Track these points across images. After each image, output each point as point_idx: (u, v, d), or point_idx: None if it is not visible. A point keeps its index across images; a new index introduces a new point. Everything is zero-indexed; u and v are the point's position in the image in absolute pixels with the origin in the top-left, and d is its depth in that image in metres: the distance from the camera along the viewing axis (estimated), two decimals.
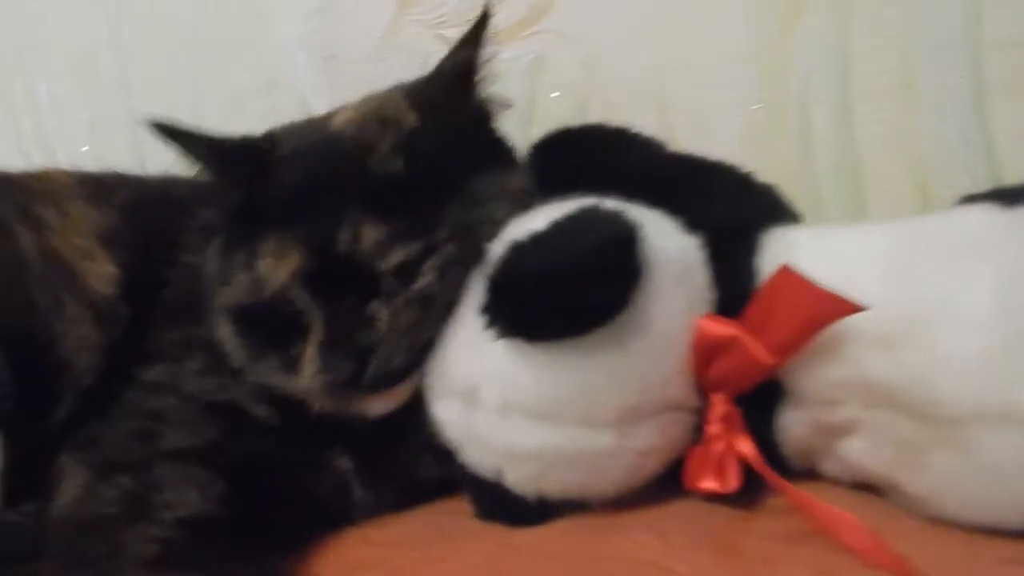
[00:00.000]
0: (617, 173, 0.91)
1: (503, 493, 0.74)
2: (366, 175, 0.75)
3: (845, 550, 0.65)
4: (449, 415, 0.75)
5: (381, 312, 0.74)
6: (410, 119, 0.78)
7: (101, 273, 0.86)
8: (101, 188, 0.93)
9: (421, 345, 0.75)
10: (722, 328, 0.71)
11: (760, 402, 0.75)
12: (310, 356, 0.75)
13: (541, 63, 1.14)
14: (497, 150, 0.84)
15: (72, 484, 0.72)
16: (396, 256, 0.73)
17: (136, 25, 1.26)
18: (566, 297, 0.66)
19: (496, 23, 1.06)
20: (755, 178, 0.92)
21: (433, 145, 0.77)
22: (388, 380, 0.75)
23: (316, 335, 0.74)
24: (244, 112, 1.23)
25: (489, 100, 0.83)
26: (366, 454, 0.79)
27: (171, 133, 0.78)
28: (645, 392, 0.71)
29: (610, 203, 0.74)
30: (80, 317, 0.84)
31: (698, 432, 0.76)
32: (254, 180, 0.77)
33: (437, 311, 0.75)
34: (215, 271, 0.81)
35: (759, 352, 0.69)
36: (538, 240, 0.67)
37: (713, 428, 0.75)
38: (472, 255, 0.74)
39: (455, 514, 0.79)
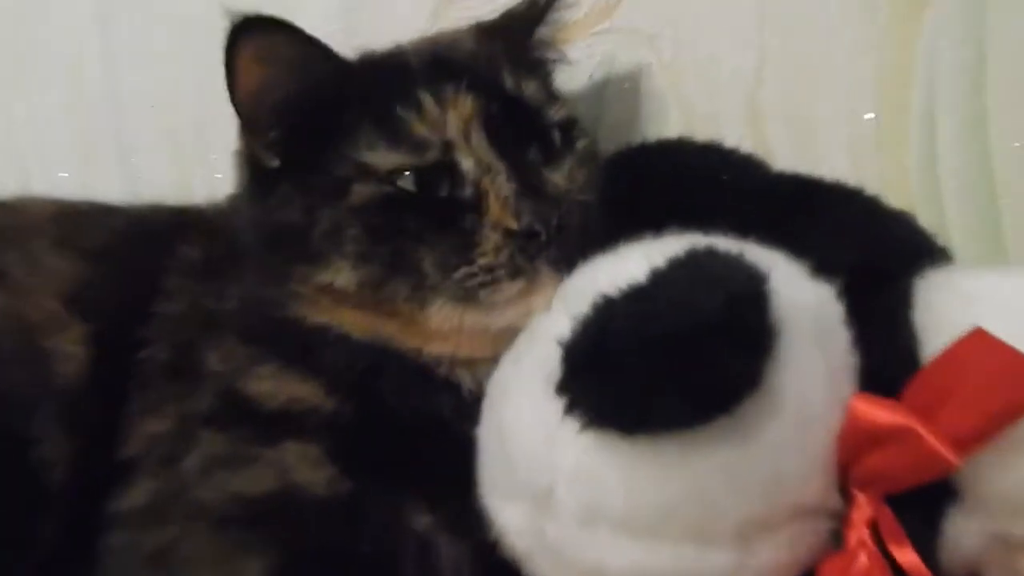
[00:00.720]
0: (712, 197, 0.77)
1: None
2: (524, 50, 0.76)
3: None
4: (513, 520, 0.59)
5: (559, 167, 0.69)
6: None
7: (69, 353, 0.71)
8: (73, 226, 0.78)
9: (589, 211, 0.68)
10: (887, 414, 0.53)
11: (919, 504, 0.58)
12: (495, 217, 0.64)
13: (610, 65, 0.98)
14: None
15: None
16: (561, 110, 0.72)
17: (127, 27, 1.11)
18: (678, 374, 0.49)
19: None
20: (886, 204, 0.76)
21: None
22: (571, 249, 0.63)
23: (499, 192, 0.64)
24: None
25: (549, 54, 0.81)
26: (448, 501, 0.64)
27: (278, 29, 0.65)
28: (775, 496, 0.55)
29: (721, 242, 0.57)
30: (52, 415, 0.68)
31: (836, 539, 0.59)
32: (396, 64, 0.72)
33: (592, 178, 0.71)
34: (338, 175, 0.67)
35: (939, 448, 0.51)
36: (638, 295, 0.50)
37: (857, 535, 0.58)
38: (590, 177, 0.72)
39: None
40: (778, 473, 0.53)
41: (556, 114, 0.71)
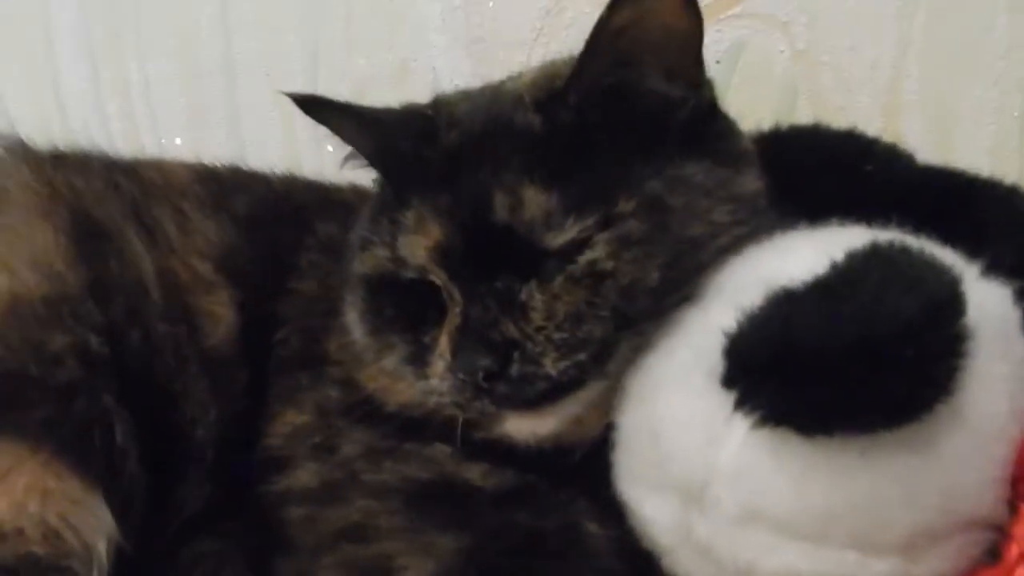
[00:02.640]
0: (853, 187, 0.74)
1: None
2: (518, 132, 0.62)
3: None
4: (659, 513, 0.57)
5: (535, 297, 0.59)
6: (559, 83, 0.64)
7: (217, 316, 0.73)
8: (220, 189, 0.80)
9: (584, 347, 0.59)
10: None
11: None
12: (443, 346, 0.60)
13: (739, 50, 0.97)
14: (722, 142, 0.67)
15: None
16: (569, 231, 0.59)
17: None
18: (870, 378, 0.47)
19: None
20: None
21: (586, 109, 0.62)
22: (535, 391, 0.58)
23: (452, 321, 0.60)
24: (371, 103, 1.08)
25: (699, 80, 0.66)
26: (609, 512, 0.62)
27: (317, 107, 0.66)
28: (949, 508, 0.52)
29: (905, 238, 0.55)
30: (199, 374, 0.71)
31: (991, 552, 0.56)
32: (413, 148, 0.65)
33: (609, 301, 0.59)
34: (361, 234, 0.68)
35: None
36: (826, 291, 0.48)
37: (1019, 548, 0.56)
38: (667, 244, 0.59)
39: None
40: (956, 485, 0.51)
41: (561, 237, 0.59)
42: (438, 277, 0.62)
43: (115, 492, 0.65)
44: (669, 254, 0.58)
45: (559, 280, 0.59)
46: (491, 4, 1.04)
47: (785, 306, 0.49)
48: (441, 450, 0.65)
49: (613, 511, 0.60)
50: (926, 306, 0.46)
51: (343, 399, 0.68)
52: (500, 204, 0.59)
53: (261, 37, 1.13)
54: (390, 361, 0.65)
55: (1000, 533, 0.57)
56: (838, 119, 0.89)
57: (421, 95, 0.99)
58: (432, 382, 0.61)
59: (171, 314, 0.71)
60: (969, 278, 0.55)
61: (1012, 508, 0.56)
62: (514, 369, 0.57)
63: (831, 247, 0.52)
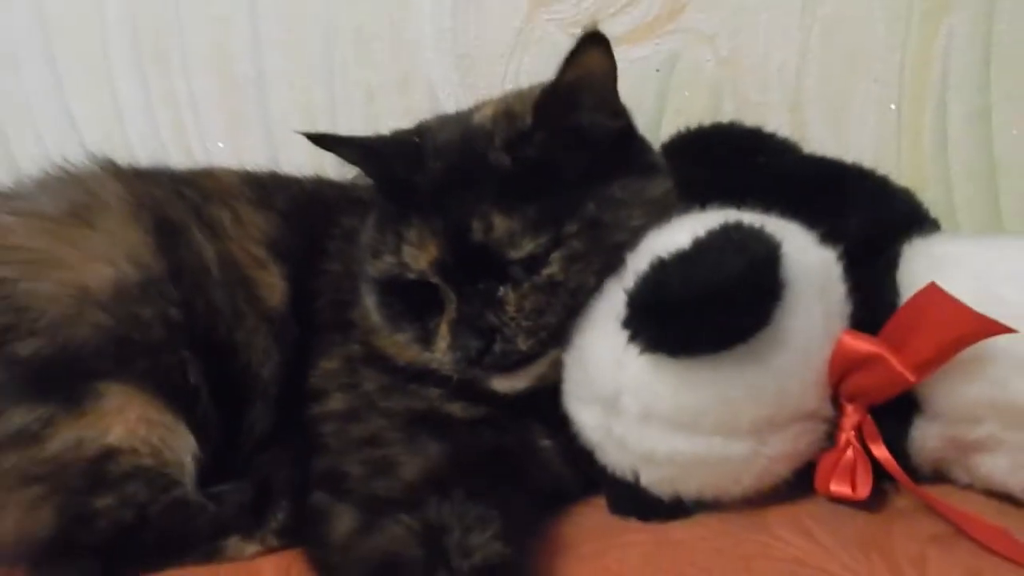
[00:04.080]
0: (751, 175, 0.94)
1: (638, 492, 0.78)
2: (491, 168, 0.80)
3: (991, 552, 0.67)
4: (589, 419, 0.79)
5: (509, 296, 0.79)
6: (527, 119, 0.81)
7: (273, 285, 0.93)
8: (263, 190, 0.99)
9: (544, 330, 0.79)
10: (865, 345, 0.72)
11: (893, 413, 0.77)
12: (443, 332, 0.80)
13: (674, 61, 1.14)
14: (637, 157, 0.85)
15: (344, 523, 0.74)
16: (526, 247, 0.77)
17: (273, 18, 1.28)
18: (709, 316, 0.68)
19: (632, 21, 1.08)
20: (893, 183, 0.93)
21: (546, 147, 0.79)
22: (511, 360, 0.80)
23: (450, 314, 0.80)
24: (379, 109, 1.26)
25: (620, 110, 0.84)
26: (560, 431, 0.82)
27: (328, 142, 0.85)
28: (782, 404, 0.73)
29: (749, 216, 0.76)
30: (258, 329, 0.91)
31: (829, 439, 0.78)
32: (406, 173, 0.82)
33: (561, 300, 0.79)
34: (369, 242, 0.86)
35: (902, 370, 0.70)
36: (682, 259, 0.69)
37: (846, 436, 0.78)
38: (600, 253, 0.79)
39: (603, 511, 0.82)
40: (785, 387, 0.72)
41: (520, 251, 0.77)
42: (437, 282, 0.80)
43: (193, 421, 0.83)
44: (602, 261, 0.78)
45: (527, 286, 0.78)
46: (474, 26, 1.20)
47: (658, 270, 0.70)
48: (434, 391, 0.84)
49: (563, 426, 0.82)
50: (750, 263, 0.67)
51: (364, 353, 0.88)
52: (476, 228, 0.77)
53: (286, 54, 1.28)
54: (401, 337, 0.84)
55: (833, 426, 0.78)
56: (755, 114, 1.08)
57: (420, 101, 1.19)
58: (436, 355, 0.81)
59: (229, 284, 0.90)
60: (801, 243, 0.76)
61: (840, 407, 0.78)
62: (497, 347, 0.78)
63: (699, 227, 0.73)
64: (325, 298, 0.93)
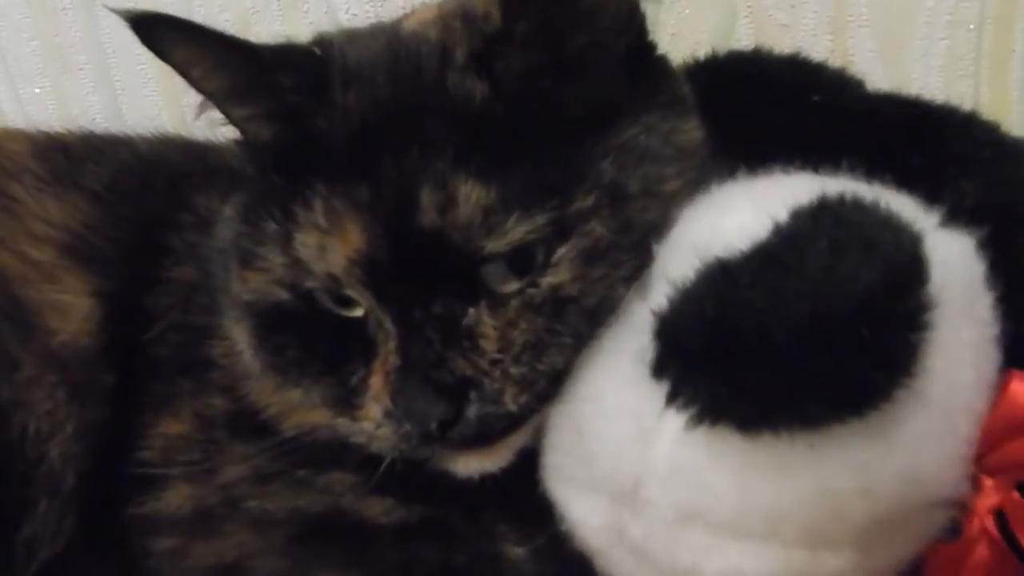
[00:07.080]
0: (796, 122, 0.67)
1: None
2: (452, 102, 0.51)
3: None
4: (589, 514, 0.51)
5: (485, 323, 0.50)
6: (494, 16, 0.51)
7: (69, 307, 0.62)
8: (67, 161, 0.67)
9: (544, 377, 0.51)
10: None
11: None
12: (377, 388, 0.51)
13: None
14: (660, 83, 0.57)
15: None
16: (513, 233, 0.49)
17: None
18: (816, 363, 0.40)
19: None
20: (1008, 132, 0.66)
21: (529, 57, 0.51)
22: (493, 430, 0.51)
23: (387, 356, 0.50)
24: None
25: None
26: (538, 530, 0.54)
27: (160, 32, 0.51)
28: (909, 494, 0.47)
29: (845, 186, 0.48)
30: (39, 380, 0.60)
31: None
32: (300, 106, 0.52)
33: (573, 326, 0.50)
34: (230, 243, 0.56)
35: None
36: (768, 262, 0.41)
37: (979, 523, 0.52)
38: (630, 245, 0.50)
39: None
40: (917, 469, 0.46)
41: (501, 241, 0.49)
42: (362, 299, 0.51)
43: None
44: (635, 257, 0.49)
45: (515, 306, 0.50)
46: None
47: (721, 280, 0.42)
48: (340, 479, 0.56)
49: (542, 523, 0.53)
50: (884, 275, 0.39)
51: (228, 408, 0.60)
52: (428, 203, 0.48)
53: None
54: (295, 395, 0.56)
55: (960, 508, 0.52)
56: (781, 40, 0.85)
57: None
58: (364, 426, 0.52)
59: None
60: (928, 230, 0.49)
61: (974, 483, 0.52)
62: (472, 411, 0.49)
63: (773, 203, 0.45)
64: (168, 321, 0.62)
